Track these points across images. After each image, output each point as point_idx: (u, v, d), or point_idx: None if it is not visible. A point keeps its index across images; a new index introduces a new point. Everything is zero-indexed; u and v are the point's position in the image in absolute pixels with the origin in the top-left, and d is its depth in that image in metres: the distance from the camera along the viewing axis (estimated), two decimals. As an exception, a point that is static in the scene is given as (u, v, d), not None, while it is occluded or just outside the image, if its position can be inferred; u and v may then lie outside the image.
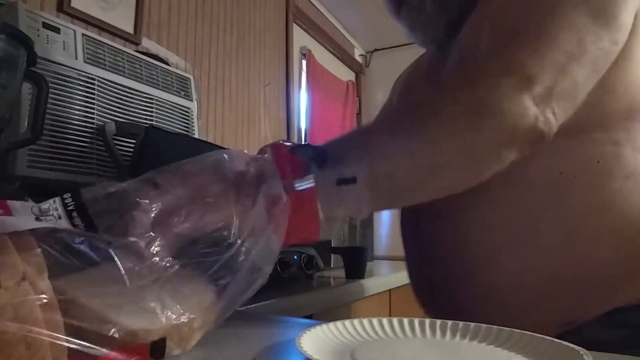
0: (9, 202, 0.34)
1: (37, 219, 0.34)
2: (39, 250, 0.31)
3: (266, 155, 0.44)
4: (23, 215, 0.34)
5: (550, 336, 0.39)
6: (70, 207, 0.35)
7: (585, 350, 0.35)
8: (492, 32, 0.50)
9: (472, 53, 0.53)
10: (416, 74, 0.78)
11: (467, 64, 0.51)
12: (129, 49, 0.98)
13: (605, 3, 0.48)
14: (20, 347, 0.27)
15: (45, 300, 0.29)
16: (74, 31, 0.86)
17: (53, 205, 0.35)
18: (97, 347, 0.30)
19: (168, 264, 0.36)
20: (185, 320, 0.36)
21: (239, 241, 0.38)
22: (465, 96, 0.45)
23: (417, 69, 0.79)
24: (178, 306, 0.36)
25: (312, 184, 0.43)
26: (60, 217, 0.35)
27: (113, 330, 0.31)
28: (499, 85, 0.44)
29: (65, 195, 0.36)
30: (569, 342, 0.37)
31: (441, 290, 0.62)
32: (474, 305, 0.58)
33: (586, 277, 0.51)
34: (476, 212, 0.56)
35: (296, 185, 0.43)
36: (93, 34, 0.91)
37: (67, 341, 0.29)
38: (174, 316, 0.36)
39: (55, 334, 0.29)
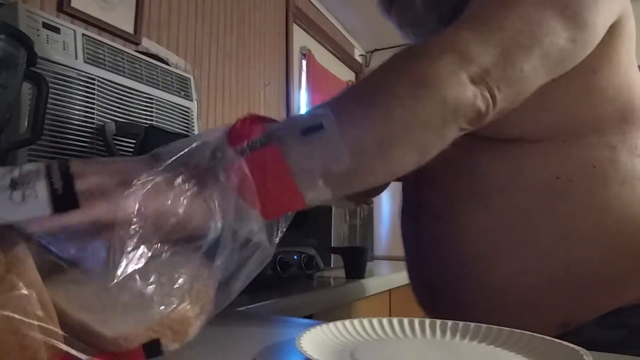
0: None
1: (12, 183, 0.31)
2: (22, 242, 0.29)
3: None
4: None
5: (550, 337, 0.39)
6: (57, 188, 0.32)
7: (585, 350, 0.35)
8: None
9: None
10: None
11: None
12: (129, 49, 0.98)
13: (569, 1, 0.47)
14: (10, 340, 0.26)
15: (33, 294, 0.28)
16: (74, 31, 0.86)
17: (35, 176, 0.31)
18: (88, 349, 0.29)
19: (156, 252, 0.34)
20: (176, 317, 0.34)
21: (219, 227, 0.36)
22: (408, 69, 0.45)
23: None
24: (172, 298, 0.34)
25: (273, 142, 0.38)
26: (37, 196, 0.31)
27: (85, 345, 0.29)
28: (439, 60, 0.44)
29: (53, 169, 0.32)
30: (569, 342, 0.37)
31: (440, 291, 0.62)
32: (473, 306, 0.58)
33: (584, 279, 0.52)
34: (475, 214, 0.56)
35: (252, 145, 0.38)
36: (93, 34, 0.91)
37: (64, 339, 0.29)
38: (168, 309, 0.33)
39: (48, 327, 0.28)
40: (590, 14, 0.48)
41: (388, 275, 1.44)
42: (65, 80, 0.82)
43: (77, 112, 0.83)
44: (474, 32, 0.46)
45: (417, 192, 0.65)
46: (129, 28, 1.36)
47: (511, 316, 0.53)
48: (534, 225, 0.53)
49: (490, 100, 0.45)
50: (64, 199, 0.32)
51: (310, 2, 2.55)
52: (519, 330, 0.41)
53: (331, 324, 0.43)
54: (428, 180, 0.62)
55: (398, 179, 0.71)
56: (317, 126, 0.40)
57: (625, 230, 0.52)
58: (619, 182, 0.52)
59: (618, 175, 0.52)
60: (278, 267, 1.02)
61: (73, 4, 1.19)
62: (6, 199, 0.30)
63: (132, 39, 1.36)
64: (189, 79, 1.11)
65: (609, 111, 0.53)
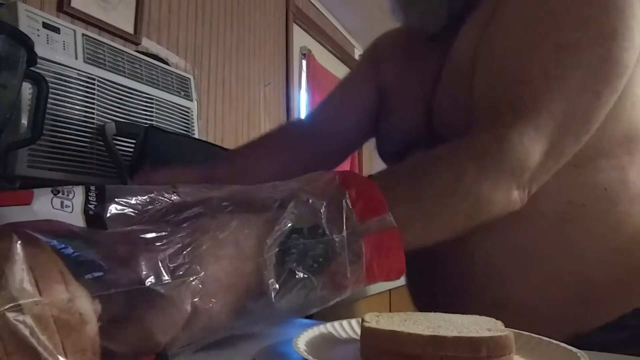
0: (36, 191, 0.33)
1: (53, 194, 0.33)
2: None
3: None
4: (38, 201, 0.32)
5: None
6: (91, 213, 0.34)
7: (582, 352, 0.35)
8: (489, 98, 0.50)
9: (465, 120, 0.51)
10: (398, 53, 0.76)
11: (462, 140, 0.48)
12: (129, 49, 0.98)
13: (610, 57, 0.47)
14: None
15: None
16: (74, 31, 0.86)
17: (70, 195, 0.34)
18: None
19: None
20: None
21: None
22: (456, 184, 0.45)
23: (396, 45, 0.78)
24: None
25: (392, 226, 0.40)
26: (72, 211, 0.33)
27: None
28: (489, 175, 0.45)
29: (90, 191, 0.35)
30: (575, 344, 0.37)
31: (444, 305, 0.61)
32: None
33: (595, 295, 0.52)
34: (486, 236, 0.55)
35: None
36: (93, 34, 0.91)
37: None
38: None
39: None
40: (630, 53, 0.48)
41: (388, 276, 1.44)
42: (65, 80, 0.82)
43: (77, 112, 0.83)
44: (522, 129, 0.45)
45: None
46: (129, 28, 1.36)
47: (521, 329, 0.53)
48: (548, 248, 0.53)
49: (526, 195, 0.47)
50: (95, 218, 0.34)
51: (310, 2, 2.55)
52: (517, 331, 0.41)
53: (329, 324, 0.43)
54: None
55: None
56: None
57: (635, 248, 0.52)
58: (629, 202, 0.52)
59: (628, 194, 0.52)
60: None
61: (73, 4, 1.19)
62: (48, 202, 0.33)
63: (132, 39, 1.36)
64: (189, 79, 1.11)
65: (615, 131, 0.52)
